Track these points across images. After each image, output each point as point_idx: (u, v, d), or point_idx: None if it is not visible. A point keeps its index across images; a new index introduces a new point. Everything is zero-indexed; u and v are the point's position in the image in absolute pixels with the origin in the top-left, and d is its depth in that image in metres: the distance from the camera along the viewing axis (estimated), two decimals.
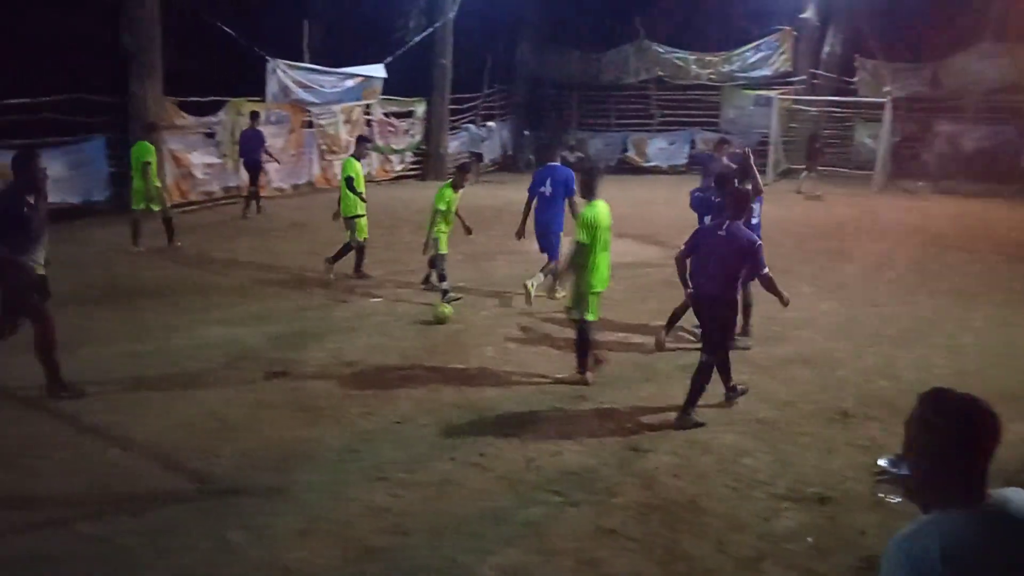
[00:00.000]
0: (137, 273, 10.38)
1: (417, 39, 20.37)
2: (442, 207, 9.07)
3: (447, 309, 8.46)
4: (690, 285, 6.10)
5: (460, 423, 5.81)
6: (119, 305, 8.82)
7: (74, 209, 13.35)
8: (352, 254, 10.13)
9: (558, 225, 9.20)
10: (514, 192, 19.38)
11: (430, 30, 20.43)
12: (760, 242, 6.02)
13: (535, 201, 9.23)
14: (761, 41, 23.71)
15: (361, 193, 10.07)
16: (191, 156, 15.54)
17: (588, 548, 4.23)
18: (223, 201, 16.19)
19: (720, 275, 5.89)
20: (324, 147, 18.64)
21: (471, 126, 22.64)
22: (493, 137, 24.10)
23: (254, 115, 15.41)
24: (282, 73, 17.56)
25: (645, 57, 24.68)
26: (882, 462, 4.99)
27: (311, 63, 18.59)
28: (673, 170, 23.37)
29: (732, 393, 6.21)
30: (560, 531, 4.39)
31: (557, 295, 8.22)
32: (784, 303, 6.21)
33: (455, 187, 9.25)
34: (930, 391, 2.04)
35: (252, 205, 15.06)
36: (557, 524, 4.46)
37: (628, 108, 25.13)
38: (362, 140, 11.06)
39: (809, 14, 23.03)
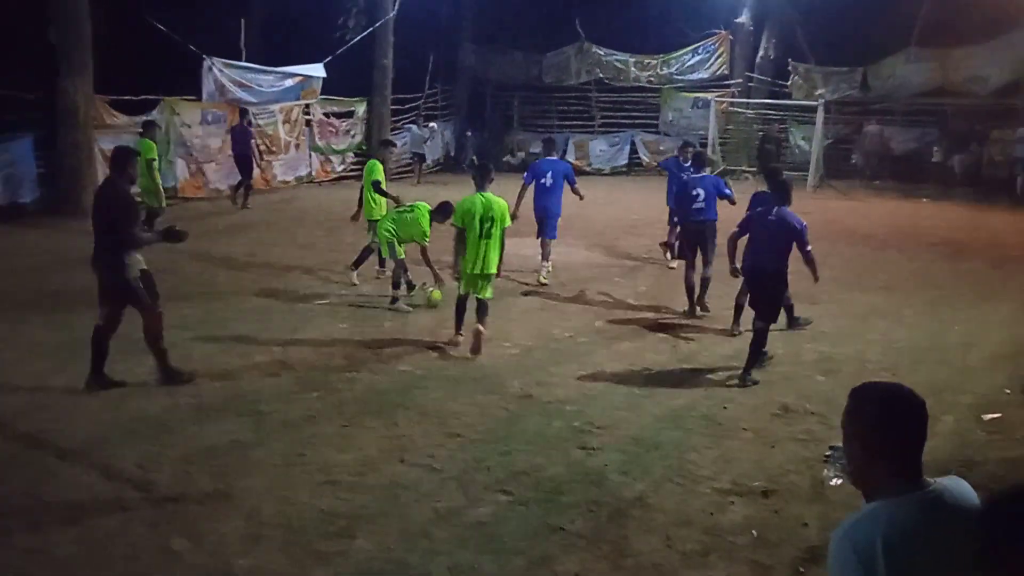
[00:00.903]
0: (71, 279, 10.02)
1: (357, 38, 20.17)
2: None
3: (438, 294, 8.91)
4: (735, 262, 7.23)
5: (408, 425, 5.78)
6: (51, 311, 8.54)
7: (0, 211, 12.87)
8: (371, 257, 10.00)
9: (557, 209, 10.52)
10: (457, 193, 19.35)
11: (370, 29, 20.25)
12: (805, 224, 6.94)
13: (534, 190, 10.45)
14: (698, 44, 24.17)
15: (391, 195, 10.03)
16: None
17: (538, 546, 4.24)
18: None
19: (771, 253, 6.80)
20: (263, 147, 18.32)
21: (413, 126, 22.52)
22: (435, 138, 24.03)
23: (243, 112, 16.53)
24: (218, 72, 17.22)
25: (586, 59, 24.93)
26: (834, 444, 5.12)
27: (248, 62, 18.26)
28: (615, 172, 23.61)
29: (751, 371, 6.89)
30: (510, 530, 4.40)
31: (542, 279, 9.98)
32: (815, 280, 7.25)
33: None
34: (860, 385, 2.14)
35: (243, 195, 15.76)
36: (507, 523, 4.47)
37: (569, 109, 25.36)
38: (387, 144, 11.52)
39: (744, 19, 23.54)
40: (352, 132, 21.44)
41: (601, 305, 9.34)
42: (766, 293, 6.94)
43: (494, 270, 7.38)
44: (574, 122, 25.34)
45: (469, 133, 24.61)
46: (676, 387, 6.68)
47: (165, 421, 5.72)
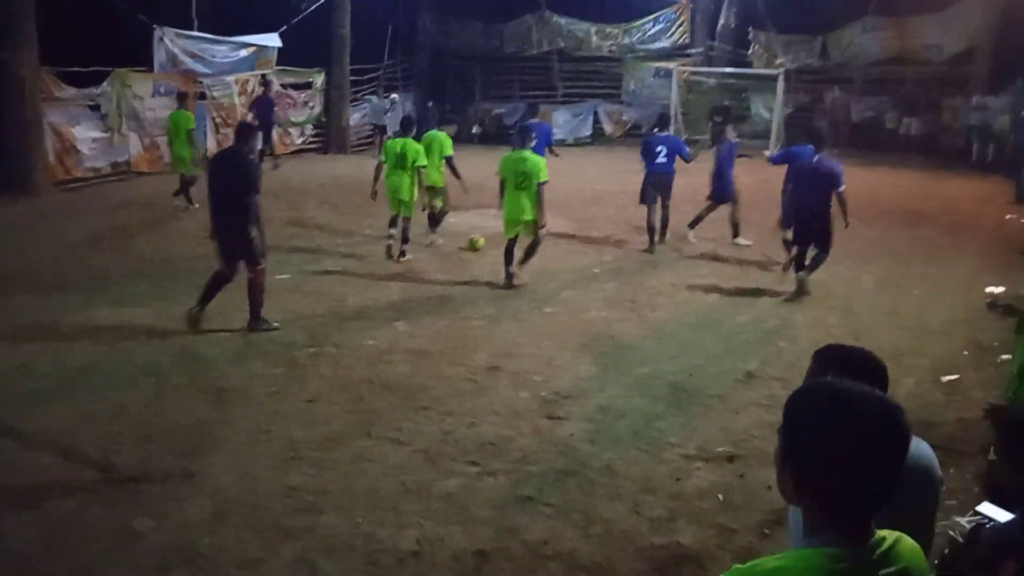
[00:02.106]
0: (16, 256, 9.74)
1: (312, 7, 19.70)
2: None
3: (482, 240, 10.22)
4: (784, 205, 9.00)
5: (374, 399, 5.73)
6: None
7: None
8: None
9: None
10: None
11: None
12: (841, 167, 8.26)
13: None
14: (659, 13, 24.04)
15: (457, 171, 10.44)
16: (74, 130, 14.64)
17: (506, 516, 4.25)
18: (112, 177, 15.38)
19: (817, 193, 8.10)
20: (219, 120, 17.90)
21: (373, 98, 22.16)
22: (396, 109, 23.69)
23: (267, 82, 18.14)
24: (170, 42, 16.73)
25: (547, 28, 24.69)
26: None
27: (200, 31, 17.76)
28: (579, 143, 23.52)
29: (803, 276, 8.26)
30: (478, 501, 4.39)
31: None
32: (846, 225, 8.35)
33: None
34: (823, 347, 2.15)
35: (270, 161, 16.94)
36: (475, 494, 4.46)
37: (532, 80, 25.14)
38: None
39: None
40: (311, 104, 21.05)
41: (566, 275, 9.33)
42: (818, 227, 8.15)
43: (529, 217, 8.42)
44: (536, 92, 25.15)
45: (431, 104, 24.29)
46: (642, 356, 6.71)
47: (124, 401, 5.60)
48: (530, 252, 8.65)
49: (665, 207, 10.64)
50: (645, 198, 10.63)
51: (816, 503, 1.44)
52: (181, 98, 14.13)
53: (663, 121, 11.83)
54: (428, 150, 10.00)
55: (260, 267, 7.05)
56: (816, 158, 8.23)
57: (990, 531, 2.81)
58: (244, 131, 7.42)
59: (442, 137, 10.44)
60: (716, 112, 14.64)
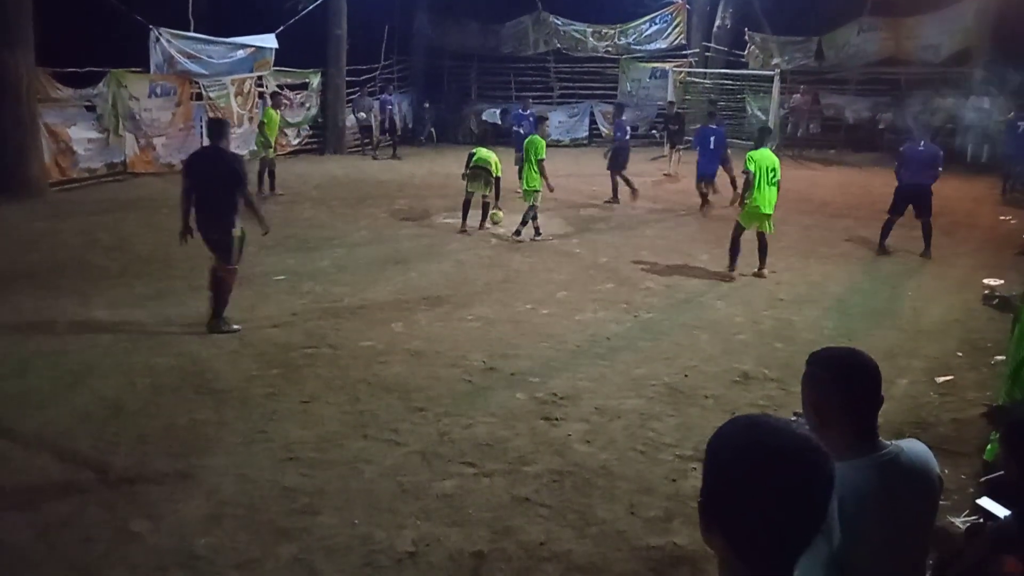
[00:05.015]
0: (12, 257, 9.73)
1: (309, 8, 19.69)
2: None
3: (500, 213, 11.89)
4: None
5: (370, 400, 5.74)
6: None
7: None
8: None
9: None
10: (415, 166, 19.22)
11: None
12: (943, 152, 10.74)
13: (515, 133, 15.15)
14: (655, 14, 24.10)
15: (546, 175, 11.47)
16: (70, 131, 14.61)
17: (503, 517, 4.26)
18: (108, 178, 15.36)
19: (926, 170, 10.42)
20: None
21: (369, 98, 22.12)
22: (393, 109, 23.67)
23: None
24: (166, 42, 16.70)
25: (543, 29, 24.72)
26: (797, 411, 5.21)
27: (197, 32, 17.73)
28: (575, 143, 23.52)
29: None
30: (475, 502, 4.40)
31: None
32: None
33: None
34: (817, 351, 2.16)
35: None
36: (471, 495, 4.47)
37: (528, 80, 25.14)
38: (542, 119, 12.62)
39: None
40: (307, 104, 21.03)
41: (562, 276, 9.34)
42: (925, 200, 10.43)
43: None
44: (533, 93, 25.13)
45: (427, 105, 24.30)
46: (638, 356, 6.73)
47: (121, 402, 5.60)
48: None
49: (621, 169, 14.44)
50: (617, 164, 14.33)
51: (731, 547, 1.31)
52: (273, 96, 15.99)
53: (620, 110, 16.03)
54: (527, 153, 11.21)
55: (231, 267, 7.06)
56: (923, 144, 10.53)
57: (989, 529, 2.83)
58: (218, 127, 7.38)
59: (538, 141, 11.24)
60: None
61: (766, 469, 1.27)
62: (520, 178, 13.97)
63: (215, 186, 6.88)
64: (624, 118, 15.68)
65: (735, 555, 1.31)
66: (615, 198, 14.33)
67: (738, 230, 9.41)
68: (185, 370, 6.23)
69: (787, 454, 1.28)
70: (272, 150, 14.79)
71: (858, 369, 2.07)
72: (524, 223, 11.09)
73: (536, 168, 11.09)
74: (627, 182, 14.25)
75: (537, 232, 11.18)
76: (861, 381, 2.06)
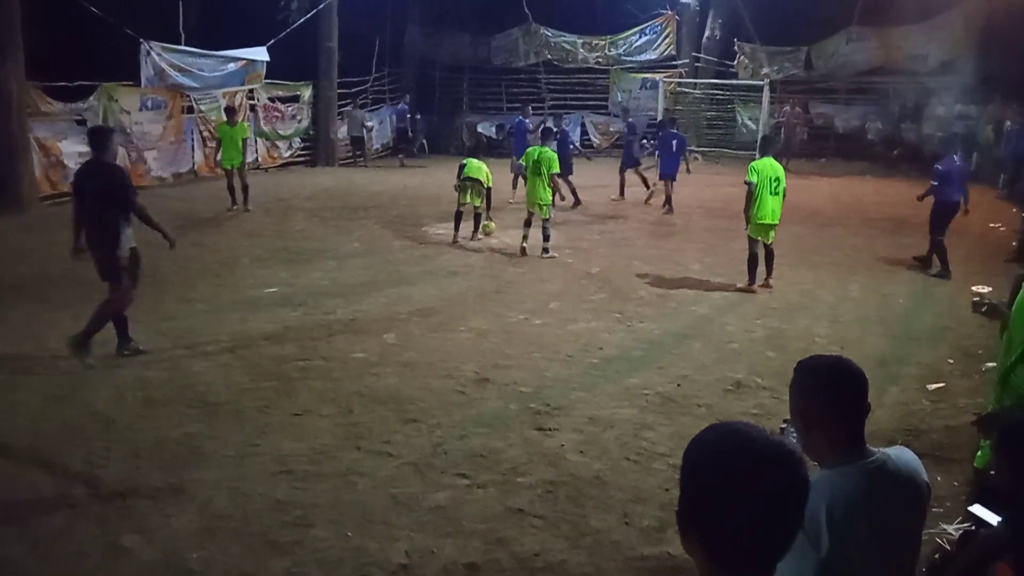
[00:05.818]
0: (2, 271, 9.69)
1: (300, 21, 19.74)
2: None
3: (492, 224, 11.92)
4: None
5: (363, 412, 5.72)
6: None
7: None
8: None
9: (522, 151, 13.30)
10: (407, 177, 19.23)
11: (314, 11, 19.83)
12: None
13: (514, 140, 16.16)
14: (645, 25, 24.22)
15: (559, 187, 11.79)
16: (61, 145, 14.57)
17: (497, 528, 4.25)
18: None
19: (960, 185, 9.99)
20: (206, 134, 17.88)
21: (353, 110, 22.15)
22: (385, 122, 23.75)
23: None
24: (157, 56, 16.70)
25: (534, 40, 24.83)
26: (787, 418, 5.22)
27: (188, 45, 17.75)
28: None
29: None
30: (468, 513, 4.39)
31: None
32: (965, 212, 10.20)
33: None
34: (804, 359, 2.17)
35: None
36: (465, 507, 4.46)
37: (519, 92, 25.22)
38: (549, 132, 12.22)
39: None
40: (298, 117, 21.06)
41: (555, 286, 9.36)
42: (951, 216, 10.04)
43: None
44: (524, 104, 25.22)
45: (418, 116, 24.36)
46: (630, 366, 6.73)
47: (112, 416, 5.57)
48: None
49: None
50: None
51: (709, 554, 1.31)
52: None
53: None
54: (539, 167, 10.84)
55: (120, 289, 6.56)
56: (959, 157, 10.25)
57: (980, 536, 2.84)
58: (98, 137, 6.70)
59: (550, 153, 11.04)
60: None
61: (742, 475, 1.28)
62: (514, 187, 14.19)
63: (96, 201, 6.43)
64: (632, 120, 17.23)
65: (713, 562, 1.31)
66: (622, 195, 15.72)
67: (753, 244, 9.27)
68: (176, 383, 6.21)
69: (763, 460, 1.29)
70: (236, 164, 14.14)
71: (845, 377, 2.09)
72: (547, 238, 10.87)
73: (547, 181, 10.87)
74: (643, 180, 15.60)
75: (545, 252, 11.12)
76: (848, 389, 2.07)
